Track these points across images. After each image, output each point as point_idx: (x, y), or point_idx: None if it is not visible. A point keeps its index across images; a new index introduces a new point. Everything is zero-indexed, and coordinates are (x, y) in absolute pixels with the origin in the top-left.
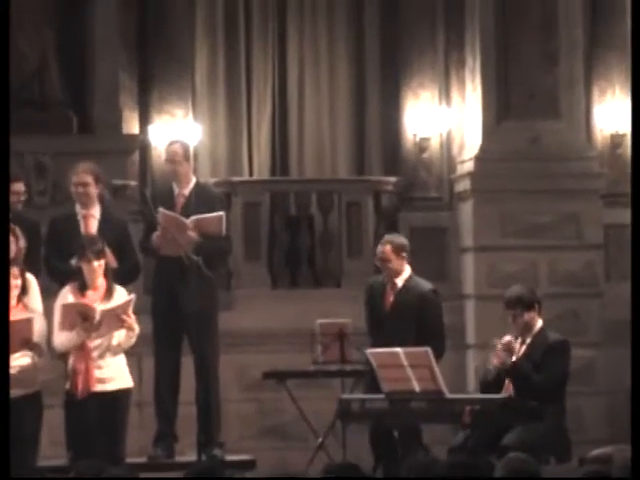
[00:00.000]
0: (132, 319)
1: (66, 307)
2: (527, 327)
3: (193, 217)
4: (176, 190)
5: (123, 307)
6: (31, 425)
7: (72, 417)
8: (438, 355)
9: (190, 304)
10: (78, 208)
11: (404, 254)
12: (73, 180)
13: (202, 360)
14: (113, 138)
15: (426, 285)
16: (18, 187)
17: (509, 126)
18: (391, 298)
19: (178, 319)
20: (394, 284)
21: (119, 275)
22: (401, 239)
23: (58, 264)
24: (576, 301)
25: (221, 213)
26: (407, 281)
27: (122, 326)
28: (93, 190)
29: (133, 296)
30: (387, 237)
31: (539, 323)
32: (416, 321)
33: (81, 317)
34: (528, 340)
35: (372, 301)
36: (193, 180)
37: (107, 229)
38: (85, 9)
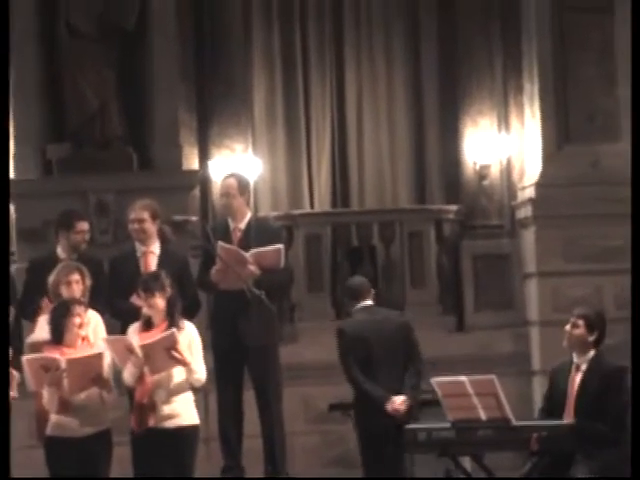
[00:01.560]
0: (180, 354)
1: (111, 342)
2: (579, 344)
3: (252, 251)
4: (231, 225)
5: (164, 341)
6: (102, 463)
7: (138, 454)
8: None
9: (252, 337)
10: (137, 246)
11: None
12: (130, 217)
13: (264, 393)
14: (173, 174)
15: None
16: (83, 226)
17: (569, 151)
18: None
19: (239, 353)
20: None
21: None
22: None
23: (120, 303)
24: None
25: (279, 246)
26: None
27: (175, 361)
28: (150, 226)
29: (173, 330)
30: None
31: (592, 351)
32: None
33: (127, 350)
34: (583, 367)
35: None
36: (248, 214)
37: (167, 265)
38: (144, 47)
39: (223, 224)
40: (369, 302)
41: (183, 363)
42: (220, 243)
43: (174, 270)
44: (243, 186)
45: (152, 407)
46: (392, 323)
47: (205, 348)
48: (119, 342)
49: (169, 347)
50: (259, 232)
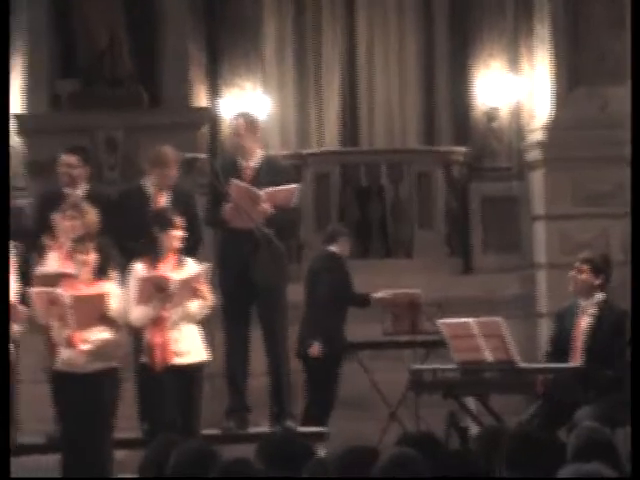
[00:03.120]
0: (205, 289)
1: (142, 280)
2: (585, 288)
3: (266, 189)
4: (242, 163)
5: (197, 277)
6: (109, 399)
7: (148, 390)
8: None
9: (261, 277)
10: (146, 182)
11: None
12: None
13: (272, 332)
14: (183, 112)
15: None
16: (65, 160)
17: (579, 93)
18: None
19: (248, 292)
20: None
21: (184, 247)
22: None
23: (130, 244)
24: None
25: (295, 186)
26: None
27: (196, 296)
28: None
29: (207, 265)
30: None
31: (600, 295)
32: None
33: (157, 289)
34: (590, 310)
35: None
36: (259, 153)
37: (175, 201)
38: None
39: (233, 162)
40: (331, 248)
41: (205, 297)
42: (233, 180)
43: (182, 206)
44: (253, 126)
45: (169, 344)
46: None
47: (212, 286)
48: (150, 280)
49: (198, 282)
50: (270, 171)
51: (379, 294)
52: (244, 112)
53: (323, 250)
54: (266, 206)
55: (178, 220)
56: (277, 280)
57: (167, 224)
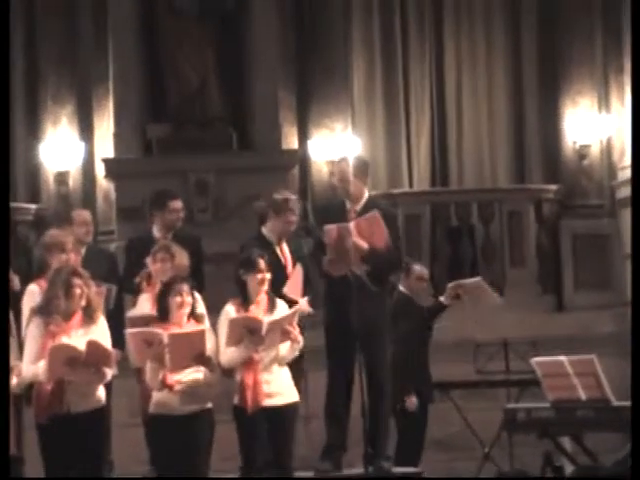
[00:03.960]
0: (296, 330)
1: (234, 321)
2: None
3: (352, 222)
4: (348, 205)
5: (289, 318)
6: (203, 441)
7: (241, 431)
8: None
9: (359, 320)
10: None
11: None
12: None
13: (373, 373)
14: (273, 154)
15: None
16: (176, 205)
17: None
18: None
19: (350, 334)
20: None
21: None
22: None
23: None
24: None
25: (374, 212)
26: None
27: (288, 338)
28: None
29: (298, 307)
30: None
31: None
32: None
33: (248, 331)
34: None
35: None
36: (366, 195)
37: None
38: (244, 28)
39: (339, 205)
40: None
41: (295, 340)
42: (327, 226)
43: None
44: (359, 169)
45: (261, 386)
46: None
47: (308, 328)
48: (241, 321)
49: (290, 324)
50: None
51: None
52: (346, 156)
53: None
54: (359, 241)
55: (262, 263)
56: (375, 321)
57: (252, 267)
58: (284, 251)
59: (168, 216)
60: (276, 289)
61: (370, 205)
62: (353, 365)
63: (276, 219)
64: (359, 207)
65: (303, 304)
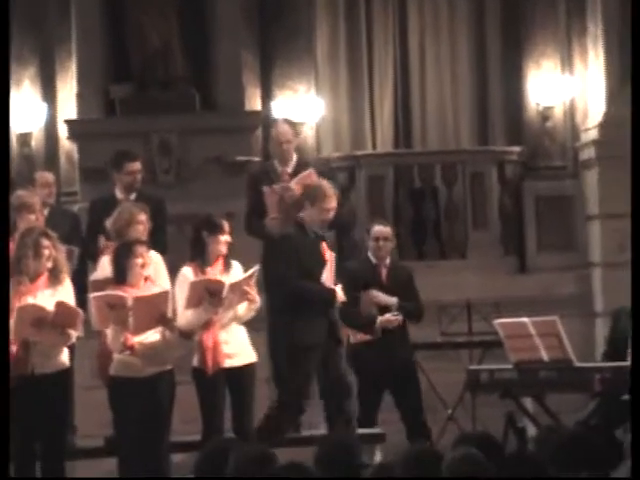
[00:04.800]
0: (254, 291)
1: (194, 283)
2: None
3: (293, 181)
4: (279, 168)
5: (247, 280)
6: (164, 403)
7: (203, 393)
8: None
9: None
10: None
11: None
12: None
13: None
14: (236, 115)
15: None
16: (132, 167)
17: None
18: None
19: None
20: None
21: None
22: None
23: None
24: None
25: (310, 170)
26: None
27: (245, 298)
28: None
29: (257, 268)
30: None
31: None
32: None
33: (209, 293)
34: None
35: None
36: (295, 157)
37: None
38: None
39: (270, 168)
40: None
41: (253, 300)
42: (265, 188)
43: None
44: (296, 131)
45: (220, 347)
46: None
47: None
48: (202, 283)
49: (248, 285)
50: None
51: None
52: (286, 118)
53: None
54: (296, 187)
55: (226, 225)
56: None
57: (216, 229)
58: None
59: (125, 178)
60: (317, 278)
61: (302, 166)
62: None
63: (312, 209)
64: (290, 169)
65: (339, 293)
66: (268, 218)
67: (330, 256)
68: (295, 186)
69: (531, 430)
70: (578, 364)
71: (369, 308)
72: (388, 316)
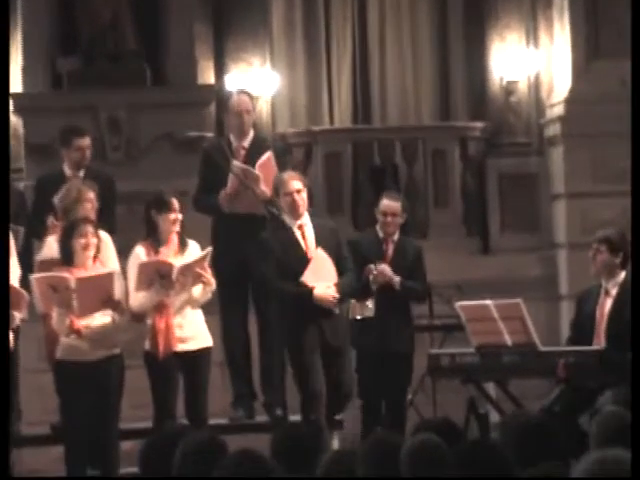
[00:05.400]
0: (209, 273)
1: (143, 265)
2: (606, 270)
3: (256, 167)
4: (234, 143)
5: (200, 261)
6: (113, 388)
7: (154, 378)
8: None
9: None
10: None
11: None
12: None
13: (267, 318)
14: (188, 89)
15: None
16: (81, 143)
17: (599, 67)
18: None
19: (244, 277)
20: None
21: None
22: None
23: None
24: None
25: (268, 153)
26: None
27: (200, 281)
28: None
29: (210, 249)
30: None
31: (622, 274)
32: None
33: (159, 275)
34: (613, 291)
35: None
36: (252, 132)
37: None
38: None
39: (226, 143)
40: None
41: (208, 282)
42: (235, 162)
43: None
44: (253, 104)
45: (173, 330)
46: None
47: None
48: (151, 265)
49: (201, 267)
50: (261, 152)
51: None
52: (244, 89)
53: None
54: (265, 188)
55: (175, 202)
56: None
57: (165, 207)
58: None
59: (73, 154)
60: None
61: (258, 141)
62: (247, 308)
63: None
64: (247, 143)
65: (326, 291)
66: (223, 192)
67: (317, 253)
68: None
69: (494, 417)
70: (542, 348)
71: (377, 281)
72: (383, 267)
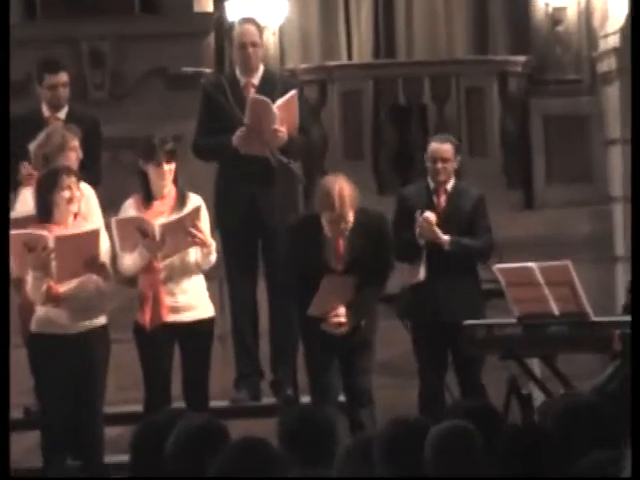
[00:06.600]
0: (204, 232)
1: (120, 222)
2: None
3: (276, 104)
4: (242, 79)
5: (189, 218)
6: (97, 365)
7: (143, 353)
8: None
9: (272, 214)
10: None
11: None
12: None
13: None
14: (183, 18)
15: None
16: (55, 79)
17: None
18: None
19: (255, 232)
20: None
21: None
22: None
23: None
24: None
25: (293, 92)
26: None
27: (193, 242)
28: None
29: (201, 203)
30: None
31: None
32: None
33: (141, 233)
34: None
35: None
36: (261, 67)
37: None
38: None
39: (226, 79)
40: None
41: (203, 244)
42: (252, 96)
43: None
44: (262, 35)
45: (163, 298)
46: None
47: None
48: (131, 222)
49: (192, 225)
50: (271, 90)
51: None
52: (252, 17)
53: None
54: (281, 128)
55: (168, 149)
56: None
57: (153, 154)
58: None
59: (46, 92)
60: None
61: (270, 78)
62: (257, 271)
63: None
64: (256, 80)
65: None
66: (239, 131)
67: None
68: (276, 110)
69: (539, 398)
70: (595, 318)
71: (423, 234)
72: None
